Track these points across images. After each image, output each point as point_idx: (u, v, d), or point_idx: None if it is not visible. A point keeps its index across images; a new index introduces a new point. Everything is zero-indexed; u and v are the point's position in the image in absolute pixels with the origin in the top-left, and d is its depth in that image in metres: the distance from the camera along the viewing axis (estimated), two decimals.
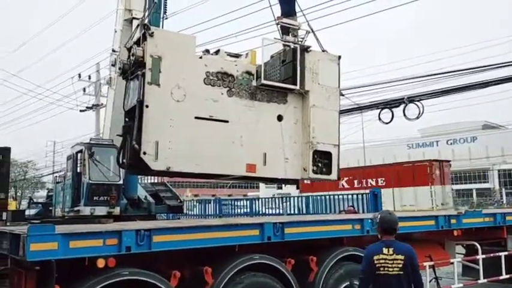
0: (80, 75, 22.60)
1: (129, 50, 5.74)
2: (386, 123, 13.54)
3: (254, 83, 5.97)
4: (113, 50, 10.10)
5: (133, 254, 4.41)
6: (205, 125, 5.60)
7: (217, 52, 6.13)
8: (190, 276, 5.08)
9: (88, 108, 21.93)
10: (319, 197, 13.88)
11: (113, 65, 10.12)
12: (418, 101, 12.61)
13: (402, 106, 12.93)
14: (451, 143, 70.72)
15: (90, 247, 4.19)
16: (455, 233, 7.74)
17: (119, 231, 4.36)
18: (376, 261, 4.16)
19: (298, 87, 6.04)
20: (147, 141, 5.24)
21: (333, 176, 6.20)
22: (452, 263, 7.92)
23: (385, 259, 4.15)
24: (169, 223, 6.22)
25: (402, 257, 4.17)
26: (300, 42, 6.22)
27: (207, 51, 6.25)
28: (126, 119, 5.87)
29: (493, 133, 68.17)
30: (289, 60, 6.22)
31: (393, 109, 13.28)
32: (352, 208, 11.61)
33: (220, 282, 4.97)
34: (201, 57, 5.81)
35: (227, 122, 5.73)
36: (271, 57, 6.64)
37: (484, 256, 8.21)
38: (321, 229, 5.81)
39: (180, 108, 5.46)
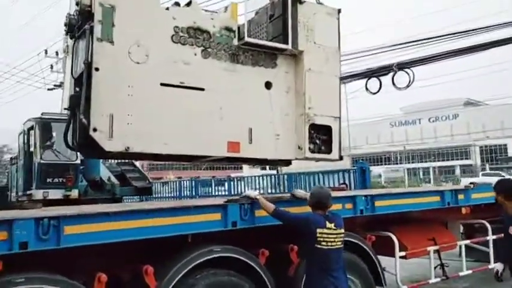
0: (46, 52, 21.02)
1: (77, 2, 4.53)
2: (374, 93, 12.65)
3: (235, 42, 4.81)
4: (69, 14, 8.75)
5: (33, 252, 3.20)
6: (174, 94, 4.44)
7: (188, 4, 4.91)
8: (125, 279, 3.92)
9: (56, 86, 20.41)
10: (303, 175, 12.99)
11: None
12: (408, 68, 11.63)
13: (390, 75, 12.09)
14: (433, 121, 71.10)
15: None
16: (463, 210, 6.78)
17: (8, 221, 3.12)
18: (318, 234, 4.08)
19: (290, 46, 4.91)
20: (98, 114, 4.07)
21: (334, 155, 5.12)
22: (459, 247, 7.02)
23: (328, 234, 4.10)
24: (97, 207, 4.81)
25: (342, 230, 4.22)
26: None
27: (177, 4, 5.03)
28: (76, 89, 4.68)
29: (474, 110, 68.64)
30: (279, 14, 5.07)
31: (381, 78, 12.38)
32: (344, 185, 10.73)
33: (166, 285, 3.78)
34: (167, 9, 4.61)
35: (202, 90, 4.59)
36: (256, 13, 5.49)
37: (494, 237, 7.27)
38: (302, 209, 4.60)
39: (141, 72, 4.29)
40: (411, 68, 11.38)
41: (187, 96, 4.51)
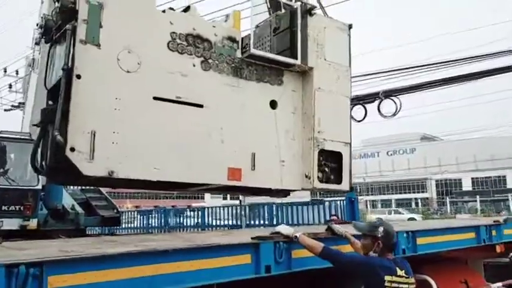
0: (5, 70, 19.68)
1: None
2: (359, 121, 12.38)
3: (239, 54, 4.24)
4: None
5: None
6: (169, 110, 3.79)
7: (186, 10, 4.32)
8: None
9: (14, 107, 19.00)
10: (285, 206, 12.24)
11: (37, 44, 8.03)
12: (395, 96, 11.45)
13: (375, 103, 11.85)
14: (391, 154, 72.98)
15: None
16: (498, 249, 6.09)
17: None
18: (387, 283, 3.27)
19: (299, 61, 4.38)
20: (77, 130, 3.34)
21: (344, 185, 4.55)
22: None
23: (399, 283, 3.32)
24: (86, 246, 3.51)
25: (413, 280, 3.45)
26: (301, 0, 4.55)
27: (172, 9, 4.42)
28: (50, 102, 3.92)
29: (431, 145, 71.14)
30: (285, 27, 4.56)
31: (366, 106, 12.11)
32: (336, 217, 10.16)
33: None
34: (164, 11, 3.99)
35: (201, 106, 3.95)
36: (257, 26, 4.96)
37: None
38: (342, 248, 3.71)
39: (131, 82, 3.62)
40: (398, 97, 11.22)
41: (184, 113, 3.86)
